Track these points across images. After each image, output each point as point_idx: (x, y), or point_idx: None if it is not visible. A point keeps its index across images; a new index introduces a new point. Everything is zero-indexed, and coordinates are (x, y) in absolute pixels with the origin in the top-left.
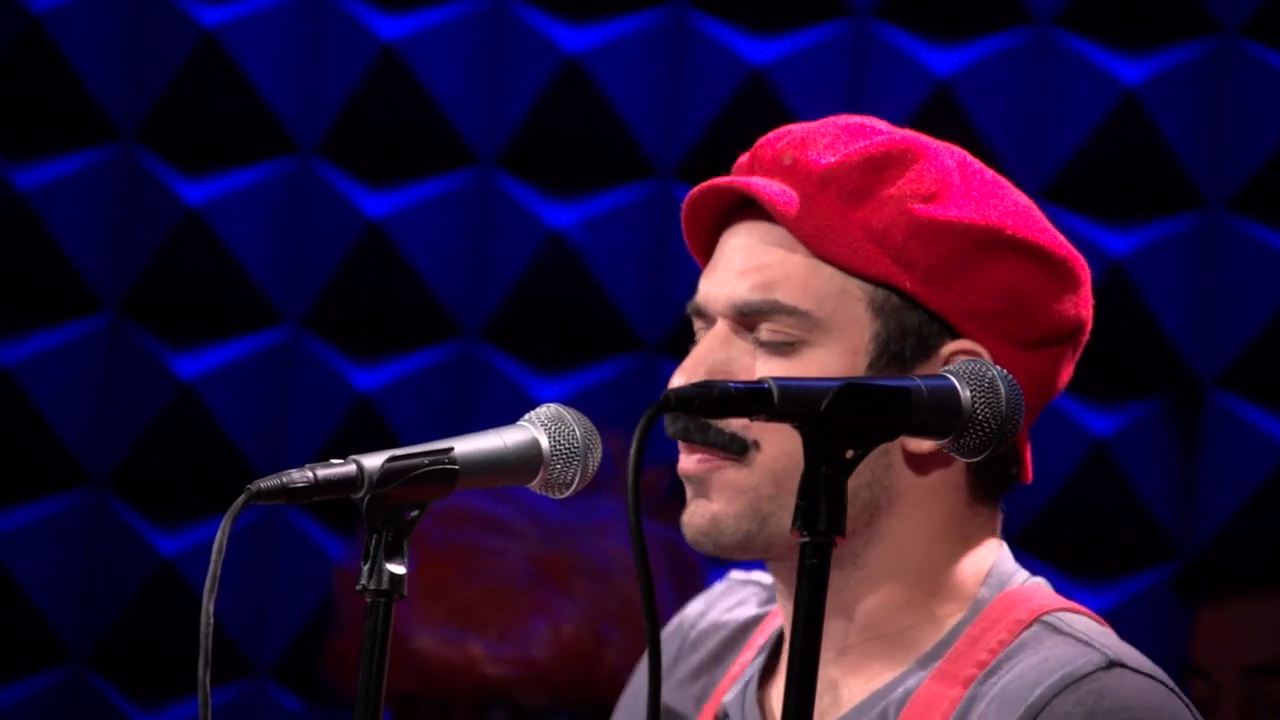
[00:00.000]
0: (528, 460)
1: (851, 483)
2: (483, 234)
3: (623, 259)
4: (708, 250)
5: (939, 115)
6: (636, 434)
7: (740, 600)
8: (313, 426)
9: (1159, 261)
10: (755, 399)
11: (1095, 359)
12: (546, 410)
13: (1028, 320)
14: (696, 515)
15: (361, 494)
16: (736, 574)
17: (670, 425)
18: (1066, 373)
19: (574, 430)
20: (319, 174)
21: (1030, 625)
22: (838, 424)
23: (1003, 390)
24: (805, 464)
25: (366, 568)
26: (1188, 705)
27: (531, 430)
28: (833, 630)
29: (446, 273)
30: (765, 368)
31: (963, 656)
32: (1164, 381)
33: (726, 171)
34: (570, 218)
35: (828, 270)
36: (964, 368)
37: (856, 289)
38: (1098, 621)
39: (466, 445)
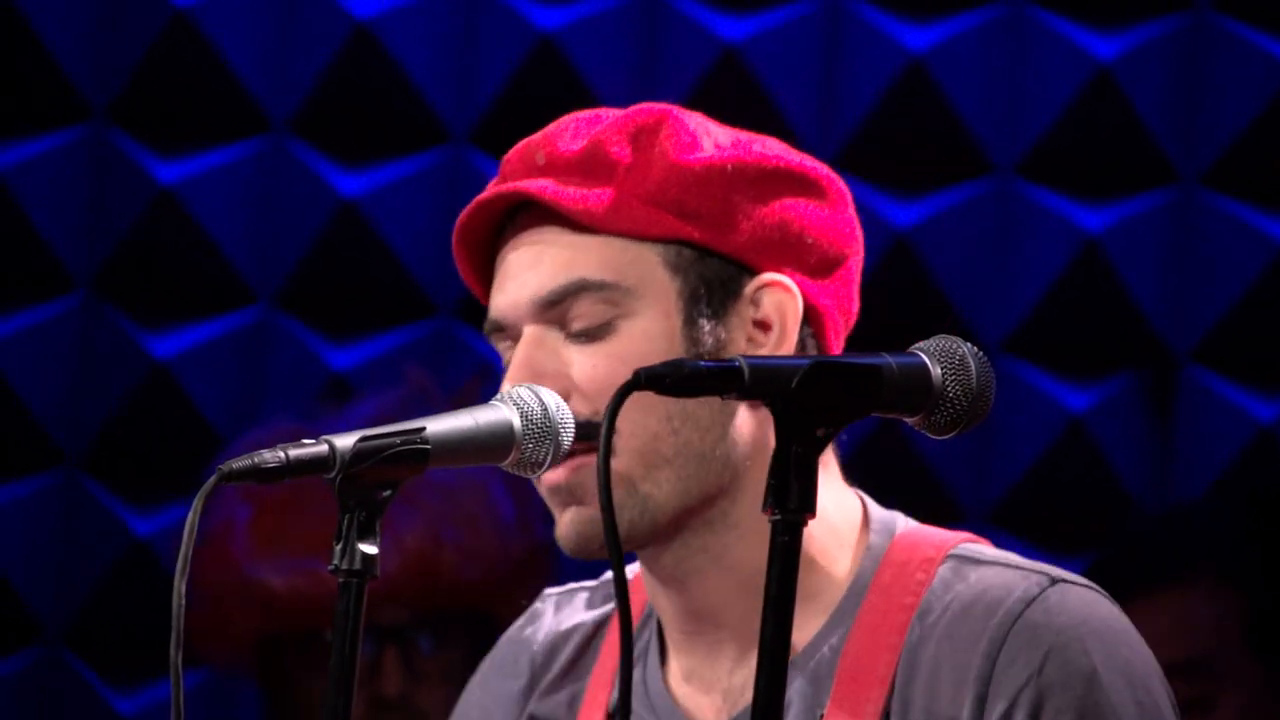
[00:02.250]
0: (500, 440)
1: (702, 442)
2: (457, 212)
3: None
4: (486, 282)
5: (913, 92)
6: (606, 413)
7: (572, 609)
8: (287, 405)
9: (1133, 237)
10: (726, 377)
11: (1069, 335)
12: (518, 390)
13: (813, 247)
14: (571, 524)
15: (334, 474)
16: (550, 590)
17: None
18: (855, 293)
19: (545, 410)
20: (292, 153)
21: (944, 561)
22: (808, 402)
23: (973, 367)
24: (776, 442)
25: (339, 548)
26: (1117, 605)
27: (503, 410)
28: (728, 600)
29: (421, 251)
30: (584, 355)
31: (883, 607)
32: (1138, 357)
33: None
34: None
35: (618, 241)
36: (934, 344)
37: (650, 252)
38: (987, 544)
39: (438, 425)
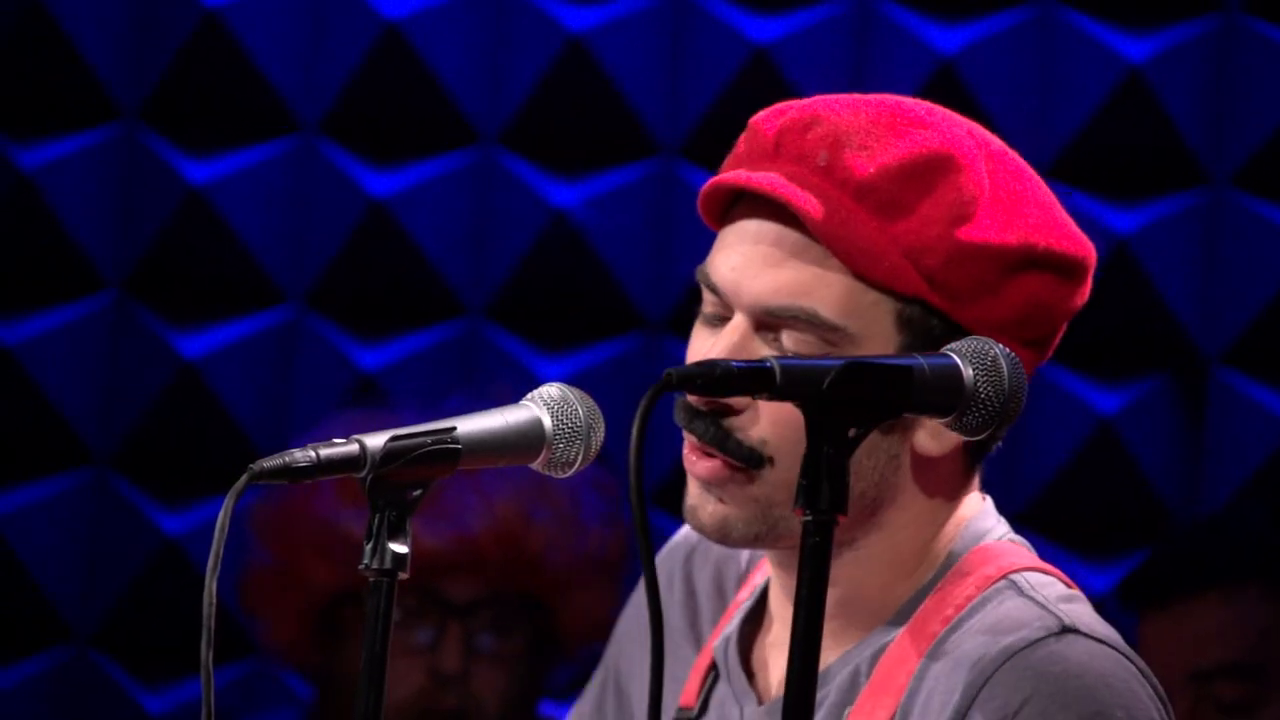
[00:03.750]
0: (530, 439)
1: (859, 482)
2: (486, 213)
3: (626, 238)
4: (722, 210)
5: (943, 93)
6: (639, 413)
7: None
8: (316, 405)
9: (1163, 239)
10: (757, 378)
11: (1100, 337)
12: (549, 389)
13: (1044, 323)
14: (705, 513)
15: (364, 473)
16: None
17: (689, 421)
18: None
19: (576, 409)
20: (322, 153)
21: (997, 582)
22: (840, 403)
23: (1005, 369)
24: (808, 442)
25: (369, 547)
26: (1142, 671)
27: (534, 409)
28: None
29: (450, 251)
30: None
31: (932, 613)
32: (1168, 359)
33: (728, 150)
34: (574, 196)
35: (860, 285)
36: (966, 346)
37: (886, 303)
38: (1067, 584)
39: (469, 425)
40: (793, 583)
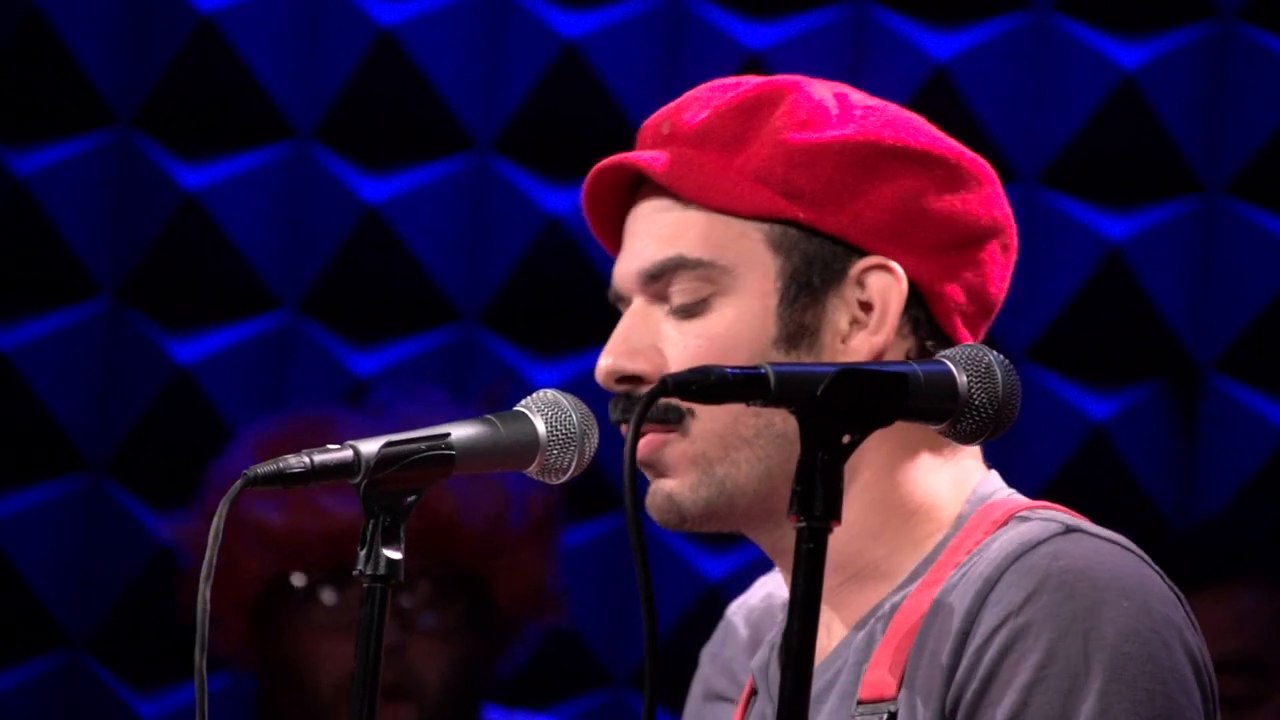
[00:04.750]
0: (524, 446)
1: (786, 422)
2: (480, 219)
3: None
4: (617, 243)
5: (937, 100)
6: (634, 418)
7: (779, 583)
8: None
9: (1157, 246)
10: (752, 384)
11: (1093, 343)
12: (543, 396)
13: (928, 226)
14: (656, 496)
15: (358, 479)
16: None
17: (611, 412)
18: (998, 275)
19: (570, 416)
20: (317, 159)
21: (1004, 524)
22: (834, 409)
23: (999, 376)
24: (802, 449)
25: (364, 553)
26: (1154, 568)
27: (528, 416)
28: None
29: (444, 257)
30: (679, 331)
31: (943, 565)
32: (1162, 366)
33: None
34: (568, 203)
35: (722, 219)
36: (960, 353)
37: (754, 230)
38: (1077, 516)
39: (463, 431)
40: (786, 573)
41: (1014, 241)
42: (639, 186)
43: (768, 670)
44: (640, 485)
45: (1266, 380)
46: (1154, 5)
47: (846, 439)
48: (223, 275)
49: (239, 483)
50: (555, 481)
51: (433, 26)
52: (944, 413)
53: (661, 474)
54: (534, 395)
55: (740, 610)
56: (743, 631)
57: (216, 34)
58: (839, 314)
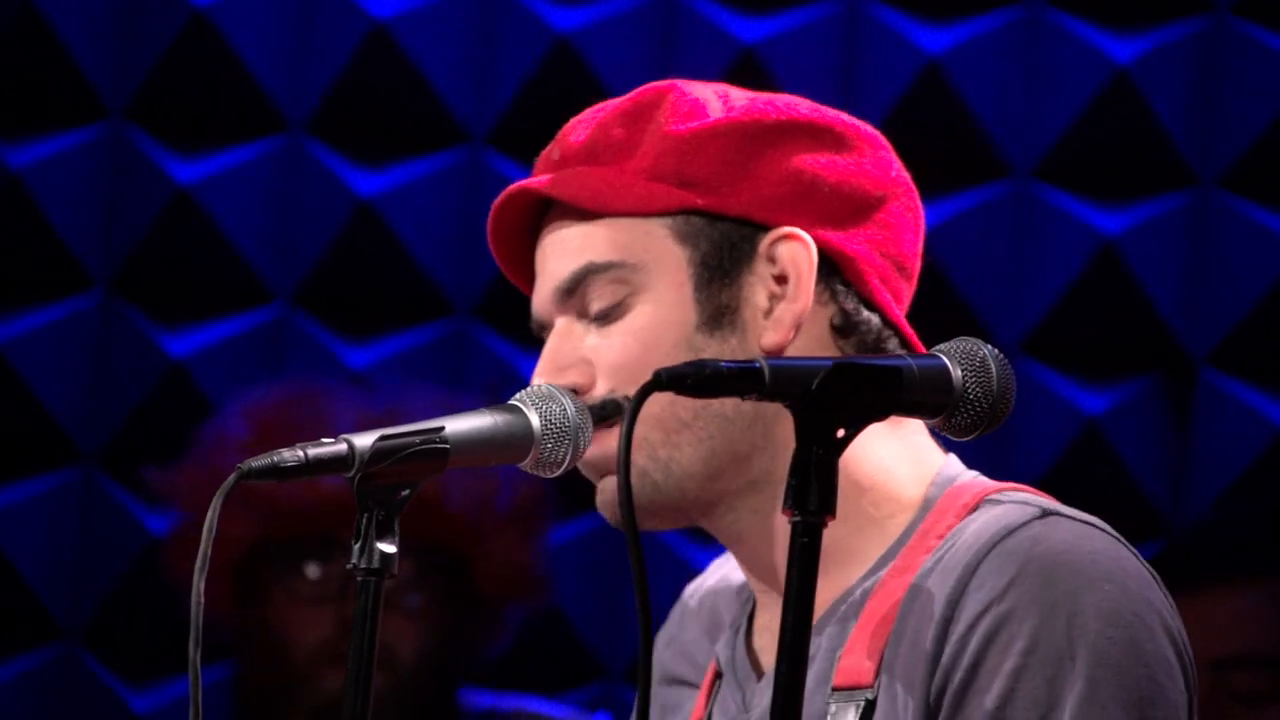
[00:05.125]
0: (519, 439)
1: (723, 401)
2: (474, 212)
3: None
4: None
5: (930, 94)
6: (627, 414)
7: (734, 566)
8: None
9: (1150, 240)
10: (746, 378)
11: (1087, 337)
12: (538, 389)
13: (822, 191)
14: (604, 491)
15: (352, 473)
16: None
17: None
18: (912, 236)
19: (565, 409)
20: (310, 152)
21: (975, 508)
22: (829, 403)
23: (994, 369)
24: (797, 443)
25: (358, 546)
26: (1131, 550)
27: (522, 409)
28: (777, 562)
29: (438, 251)
30: (602, 336)
31: (915, 549)
32: (1155, 360)
33: None
34: None
35: (625, 221)
36: (954, 347)
37: (658, 227)
38: (1046, 496)
39: (457, 424)
40: (751, 554)
41: (916, 203)
42: (542, 217)
43: (734, 656)
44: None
45: (1261, 374)
46: None
47: (841, 433)
48: (216, 268)
49: (233, 476)
50: (550, 475)
51: (426, 20)
52: (939, 406)
53: (609, 470)
54: (528, 389)
55: (696, 593)
56: (700, 615)
57: (209, 27)
58: (756, 290)
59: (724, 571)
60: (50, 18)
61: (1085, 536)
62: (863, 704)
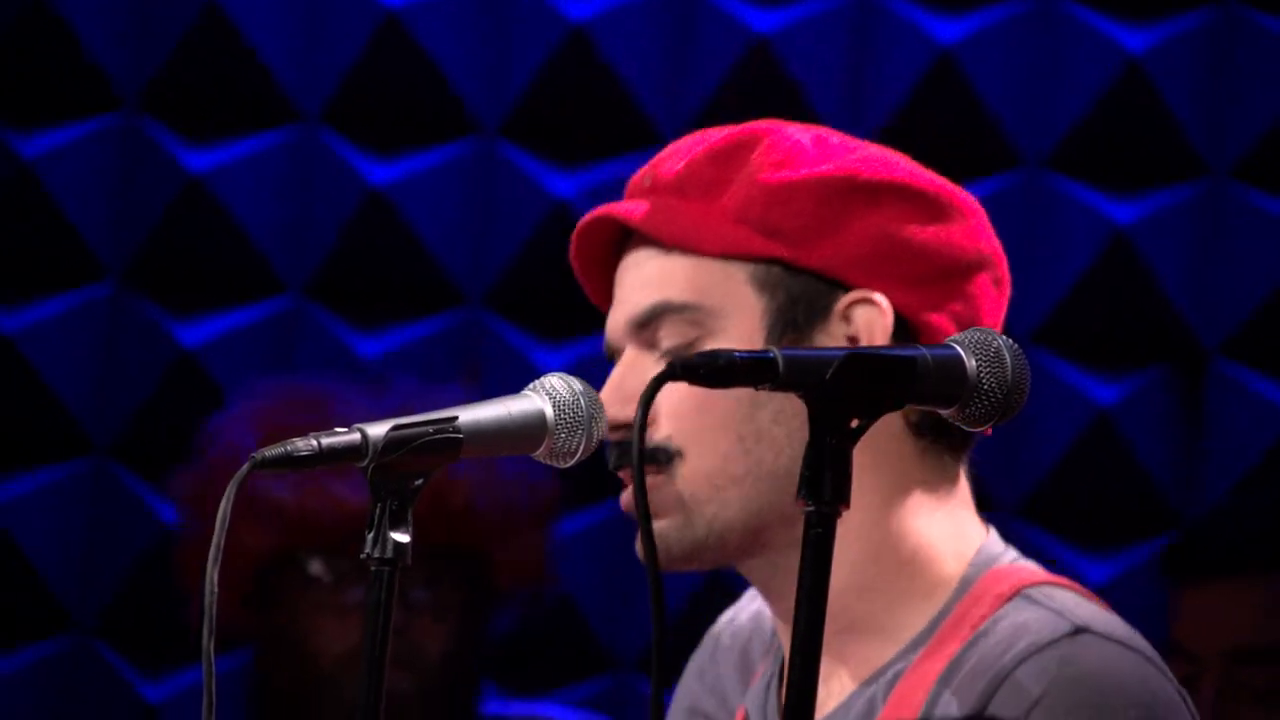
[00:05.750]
0: (532, 429)
1: (776, 461)
2: (487, 202)
3: None
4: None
5: (942, 84)
6: (640, 403)
7: (749, 615)
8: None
9: (1162, 230)
10: (760, 368)
11: (1098, 328)
12: (550, 379)
13: (907, 256)
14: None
15: (366, 462)
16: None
17: (608, 458)
18: (990, 308)
19: (578, 399)
20: (323, 142)
21: (1011, 599)
22: (843, 393)
23: (1008, 360)
24: (810, 433)
25: (371, 536)
26: (1164, 673)
27: (535, 399)
28: None
29: (450, 241)
30: None
31: (948, 635)
32: (1167, 350)
33: None
34: (574, 187)
35: (705, 262)
36: (969, 337)
37: (738, 271)
38: (1084, 595)
39: (470, 414)
40: (785, 611)
41: (1006, 275)
42: (625, 242)
43: (766, 709)
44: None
45: (1273, 365)
46: None
47: (855, 423)
48: (228, 258)
49: (246, 466)
50: (563, 465)
51: (439, 9)
52: (952, 397)
53: (654, 515)
54: (541, 379)
55: (729, 627)
56: (732, 652)
57: (222, 16)
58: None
59: (756, 607)
60: (62, 7)
61: (1114, 658)
62: None
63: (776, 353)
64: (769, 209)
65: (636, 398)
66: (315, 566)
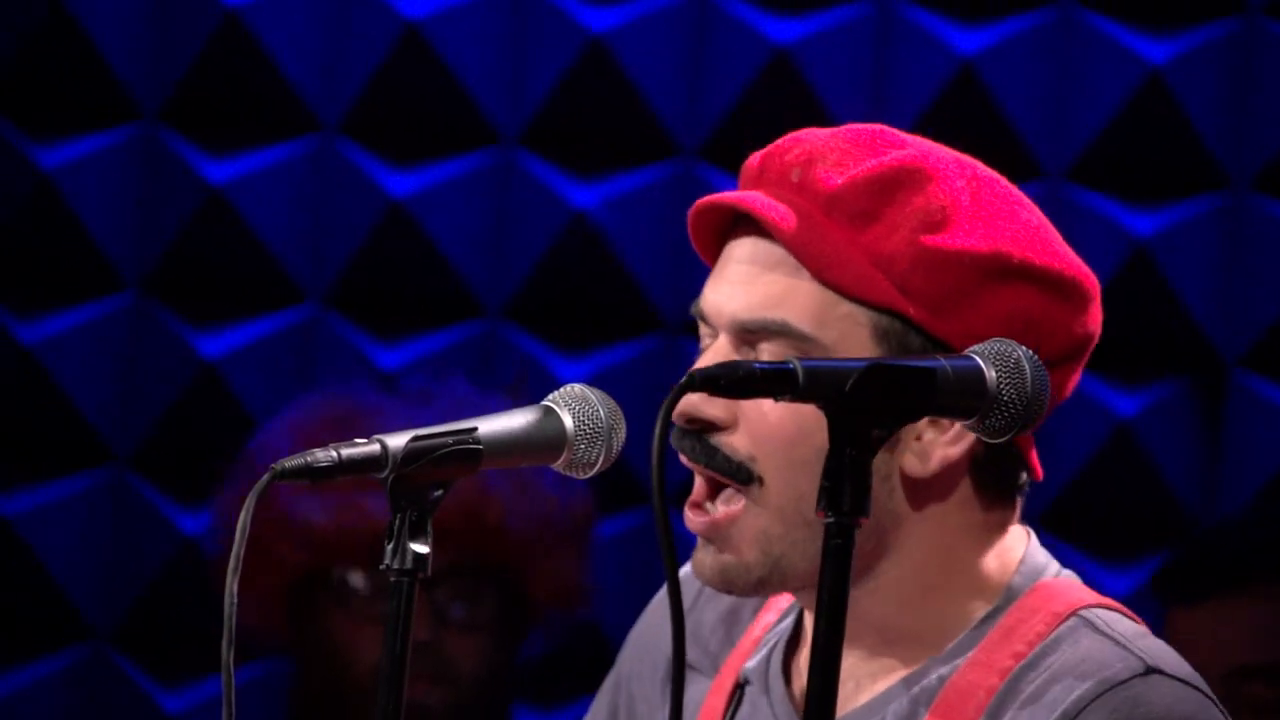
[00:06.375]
0: (552, 440)
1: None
2: (506, 213)
3: (645, 239)
4: (715, 251)
5: (963, 95)
6: (661, 413)
7: None
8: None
9: (1183, 242)
10: (780, 379)
11: (1119, 340)
12: (570, 390)
13: (1033, 344)
14: (706, 566)
15: (386, 473)
16: None
17: (678, 440)
18: (1074, 383)
19: (598, 410)
20: (342, 153)
21: (1067, 619)
22: (863, 404)
23: (1028, 371)
24: (830, 444)
25: (390, 547)
26: (1223, 712)
27: (555, 410)
28: (855, 635)
29: (469, 252)
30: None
31: (998, 646)
32: (1187, 362)
33: (749, 152)
34: (593, 198)
35: (832, 295)
36: (989, 348)
37: (860, 314)
38: (1134, 620)
39: (490, 425)
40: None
41: (1094, 346)
42: (749, 216)
43: (767, 675)
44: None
45: None
46: (1180, 1)
47: (875, 434)
48: (248, 269)
49: (266, 476)
50: (582, 476)
51: (459, 20)
52: (972, 408)
53: (720, 548)
54: (561, 390)
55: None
56: (718, 602)
57: (242, 28)
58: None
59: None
60: (83, 19)
61: (1185, 700)
62: None
63: (796, 364)
64: (915, 270)
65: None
66: (350, 581)
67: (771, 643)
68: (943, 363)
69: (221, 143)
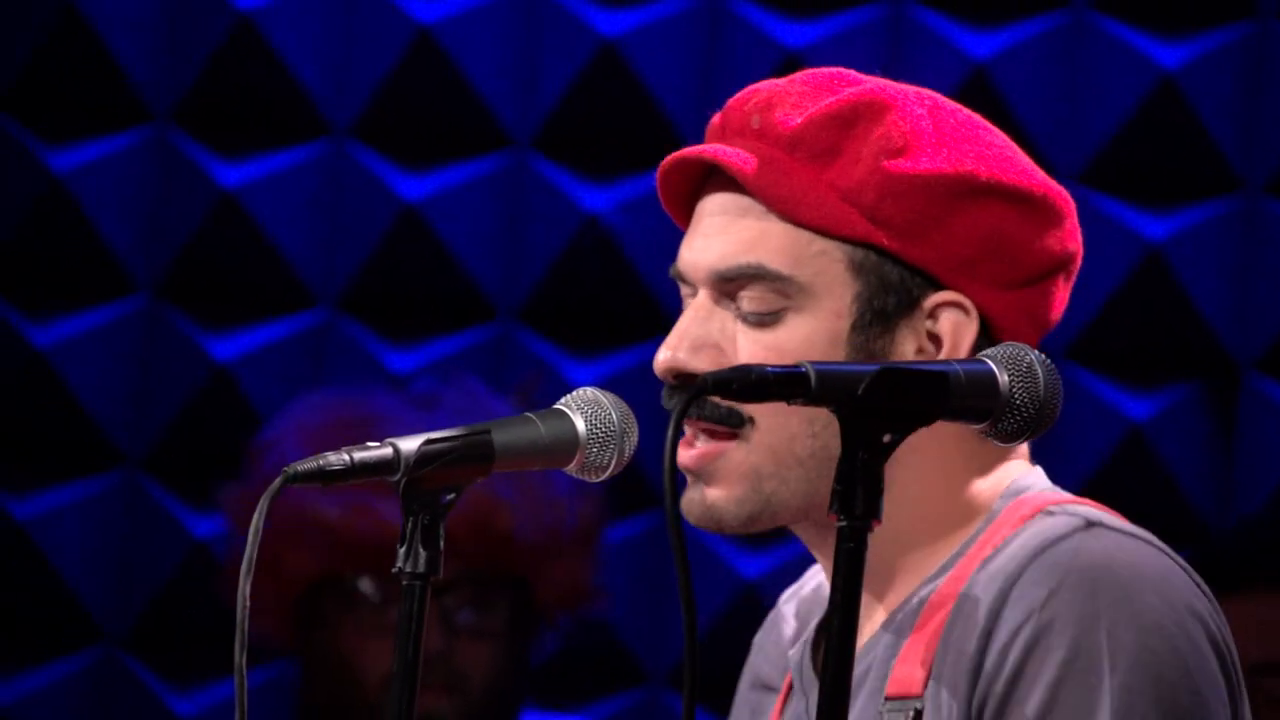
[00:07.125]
0: (564, 443)
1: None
2: (518, 217)
3: (658, 242)
4: (687, 215)
5: (976, 99)
6: (674, 417)
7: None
8: None
9: (1196, 245)
10: (792, 383)
11: (1132, 343)
12: (583, 393)
13: (1010, 262)
14: (694, 503)
15: (398, 477)
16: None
17: (667, 398)
18: (1060, 301)
19: (610, 414)
20: (354, 156)
21: (1031, 519)
22: (875, 408)
23: (1040, 375)
24: (842, 448)
25: (403, 550)
26: (1178, 561)
27: (568, 413)
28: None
29: (481, 255)
30: (747, 339)
31: (970, 559)
32: (1201, 366)
33: None
34: (606, 201)
35: (805, 234)
36: (1001, 351)
37: (835, 250)
38: (1105, 510)
39: (503, 429)
40: (829, 564)
41: (1078, 265)
42: (716, 170)
43: (802, 667)
44: (678, 482)
45: None
46: (1192, 4)
47: (887, 438)
48: (260, 273)
49: (279, 480)
50: (594, 480)
51: (471, 24)
52: (985, 412)
53: (709, 482)
54: (573, 393)
55: (792, 599)
56: (791, 621)
57: (254, 31)
58: (906, 343)
59: (820, 578)
60: (95, 21)
61: (1129, 548)
62: (912, 713)
63: (809, 367)
64: (882, 198)
65: (704, 349)
66: (361, 587)
67: (808, 634)
68: (955, 367)
69: (234, 146)
